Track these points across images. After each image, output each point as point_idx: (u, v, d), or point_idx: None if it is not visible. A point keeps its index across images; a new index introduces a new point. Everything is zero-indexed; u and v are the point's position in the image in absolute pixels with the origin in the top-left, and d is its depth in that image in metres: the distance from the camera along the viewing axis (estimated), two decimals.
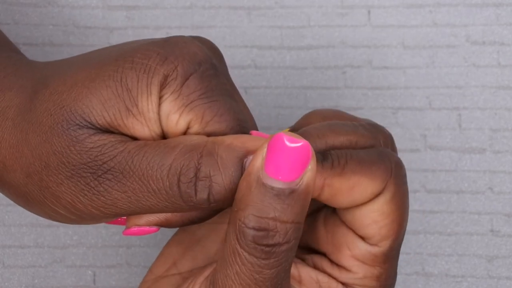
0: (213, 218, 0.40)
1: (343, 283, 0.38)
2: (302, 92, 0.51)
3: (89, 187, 0.35)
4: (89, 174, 0.35)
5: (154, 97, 0.36)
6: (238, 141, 0.35)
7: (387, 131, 0.39)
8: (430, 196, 0.51)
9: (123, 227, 0.50)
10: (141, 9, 0.51)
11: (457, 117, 0.51)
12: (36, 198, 0.37)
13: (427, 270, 0.51)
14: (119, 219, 0.39)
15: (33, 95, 0.37)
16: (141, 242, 0.50)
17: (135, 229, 0.37)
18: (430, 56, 0.51)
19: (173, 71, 0.36)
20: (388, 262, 0.38)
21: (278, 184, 0.34)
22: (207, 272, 0.38)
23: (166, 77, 0.36)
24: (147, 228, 0.37)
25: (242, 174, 0.34)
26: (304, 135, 0.37)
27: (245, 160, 0.35)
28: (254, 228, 0.34)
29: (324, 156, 0.36)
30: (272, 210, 0.34)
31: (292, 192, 0.34)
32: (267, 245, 0.34)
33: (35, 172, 0.36)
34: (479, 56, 0.51)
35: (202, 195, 0.35)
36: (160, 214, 0.37)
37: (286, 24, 0.51)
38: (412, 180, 0.51)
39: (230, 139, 0.35)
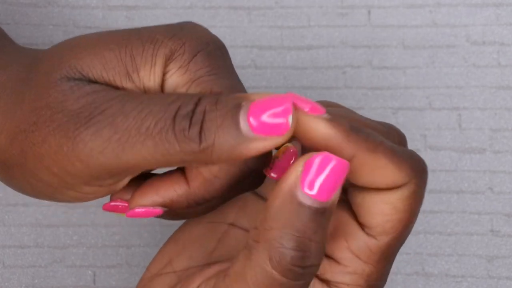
0: (210, 217, 0.40)
1: (327, 282, 0.38)
2: (302, 92, 0.51)
3: (78, 132, 0.34)
4: (81, 118, 0.34)
5: (158, 69, 0.36)
6: (239, 93, 0.35)
7: (401, 131, 0.39)
8: (430, 196, 0.51)
9: (124, 227, 0.50)
10: (141, 9, 0.51)
11: (457, 117, 0.51)
12: (16, 162, 0.36)
13: (427, 270, 0.51)
14: (119, 205, 0.38)
15: (35, 60, 0.37)
16: (141, 242, 0.50)
17: (139, 210, 0.37)
18: (430, 56, 0.51)
19: (181, 47, 0.36)
20: (382, 261, 0.37)
21: (314, 203, 0.33)
22: (207, 273, 0.38)
23: (173, 52, 0.36)
24: (151, 209, 0.37)
25: (238, 118, 0.33)
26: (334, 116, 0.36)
27: (243, 103, 0.34)
28: (293, 249, 0.33)
29: (360, 129, 0.35)
30: (309, 230, 0.33)
31: (324, 211, 0.33)
32: (303, 267, 0.33)
33: (21, 132, 0.35)
34: (479, 56, 0.51)
35: (194, 129, 0.33)
36: (165, 194, 0.36)
37: (286, 24, 0.51)
38: None
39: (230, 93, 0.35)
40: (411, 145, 0.51)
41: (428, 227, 0.50)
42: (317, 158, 0.33)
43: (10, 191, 0.50)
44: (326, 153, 0.33)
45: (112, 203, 0.38)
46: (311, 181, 0.33)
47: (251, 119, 0.33)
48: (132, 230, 0.50)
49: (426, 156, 0.51)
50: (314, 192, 0.33)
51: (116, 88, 0.36)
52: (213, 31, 0.51)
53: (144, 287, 0.39)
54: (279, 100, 0.33)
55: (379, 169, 0.35)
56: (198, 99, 0.34)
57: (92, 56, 0.36)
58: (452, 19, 0.51)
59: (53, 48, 0.37)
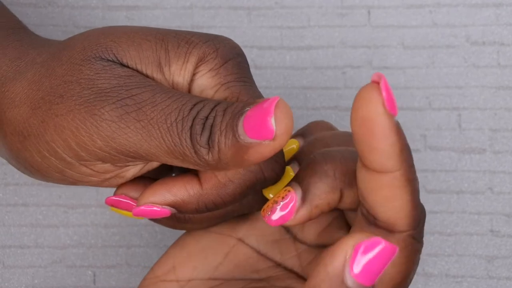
0: (219, 227, 0.40)
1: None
2: (302, 92, 0.51)
3: (104, 110, 0.35)
4: (110, 98, 0.35)
5: (190, 66, 0.36)
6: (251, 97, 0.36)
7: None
8: (430, 196, 0.51)
9: (124, 227, 0.50)
10: (141, 9, 0.51)
11: (457, 117, 0.51)
12: (34, 132, 0.36)
13: (427, 270, 0.51)
14: (122, 201, 0.38)
15: (68, 40, 0.38)
16: (141, 242, 0.50)
17: (147, 208, 0.36)
18: (430, 56, 0.51)
19: (214, 51, 0.37)
20: None
21: (359, 287, 0.32)
22: None
23: (206, 54, 0.37)
24: (159, 208, 0.36)
25: (237, 124, 0.34)
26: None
27: (246, 109, 0.34)
28: None
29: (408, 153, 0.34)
30: None
31: None
32: None
33: (45, 102, 0.36)
34: (479, 56, 0.51)
35: (205, 135, 0.34)
36: (177, 193, 0.36)
37: (286, 24, 0.51)
38: None
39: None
40: (411, 145, 0.51)
41: (428, 227, 0.50)
42: (366, 243, 0.32)
43: (10, 191, 0.50)
44: (377, 238, 0.32)
45: (116, 197, 0.38)
46: (367, 267, 0.32)
47: (246, 124, 0.33)
48: (132, 230, 0.50)
49: (426, 156, 0.51)
50: (365, 277, 0.32)
51: (147, 77, 0.36)
52: (213, 31, 0.51)
53: None
54: (266, 103, 0.33)
55: (396, 202, 0.34)
56: (217, 104, 0.34)
57: (129, 42, 0.36)
58: (452, 19, 0.51)
59: (90, 31, 0.38)
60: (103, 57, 0.36)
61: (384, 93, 0.32)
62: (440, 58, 0.51)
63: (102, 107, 0.35)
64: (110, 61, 0.36)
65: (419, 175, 0.51)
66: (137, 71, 0.36)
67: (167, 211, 0.36)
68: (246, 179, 0.36)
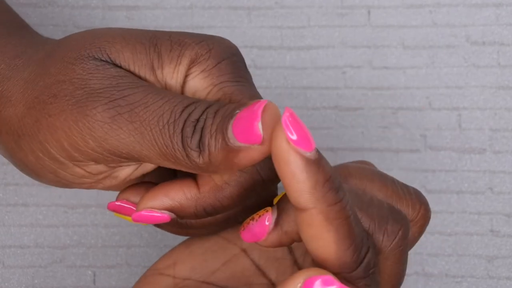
0: (228, 233, 0.39)
1: None
2: (302, 92, 0.51)
3: (96, 111, 0.34)
4: (102, 98, 0.34)
5: (182, 68, 0.36)
6: (245, 98, 0.35)
7: (428, 206, 0.38)
8: (430, 196, 0.51)
9: (124, 227, 0.50)
10: (141, 9, 0.51)
11: (457, 117, 0.51)
12: (28, 132, 0.36)
13: (427, 270, 0.51)
14: (124, 206, 0.38)
15: (64, 39, 0.38)
16: (141, 242, 0.50)
17: (146, 213, 0.36)
18: (430, 56, 0.51)
19: (206, 52, 0.36)
20: None
21: None
22: None
23: (198, 55, 0.36)
24: (158, 214, 0.36)
25: (227, 127, 0.33)
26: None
27: (236, 111, 0.34)
28: None
29: (339, 188, 0.33)
30: None
31: None
32: None
33: (40, 102, 0.36)
34: (479, 56, 0.51)
35: (195, 138, 0.34)
36: (175, 196, 0.36)
37: (286, 24, 0.51)
38: (412, 180, 0.51)
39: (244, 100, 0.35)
40: (411, 145, 0.51)
41: (428, 227, 0.50)
42: (318, 279, 0.32)
43: (10, 191, 0.50)
44: (329, 277, 0.32)
45: (118, 203, 0.38)
46: None
47: (235, 128, 0.33)
48: (132, 230, 0.50)
49: (426, 156, 0.51)
50: None
51: (140, 78, 0.36)
52: (213, 31, 0.51)
53: (145, 279, 0.39)
54: (255, 106, 0.33)
55: (319, 241, 0.33)
56: (208, 106, 0.34)
57: (123, 43, 0.36)
58: (452, 19, 0.51)
59: (86, 31, 0.38)
60: (96, 57, 0.36)
61: (287, 130, 0.31)
62: (440, 58, 0.51)
63: (94, 107, 0.34)
64: (104, 61, 0.36)
65: (419, 175, 0.51)
66: (130, 72, 0.36)
67: (166, 216, 0.36)
68: (242, 180, 0.36)
